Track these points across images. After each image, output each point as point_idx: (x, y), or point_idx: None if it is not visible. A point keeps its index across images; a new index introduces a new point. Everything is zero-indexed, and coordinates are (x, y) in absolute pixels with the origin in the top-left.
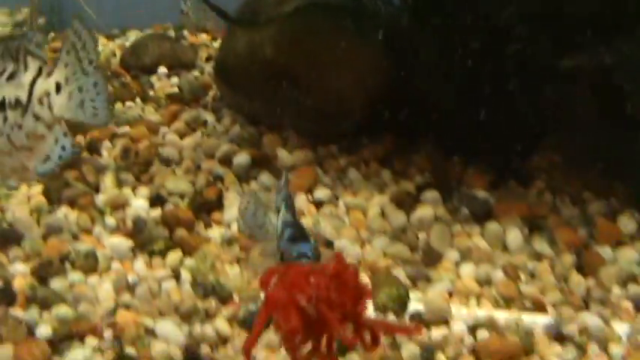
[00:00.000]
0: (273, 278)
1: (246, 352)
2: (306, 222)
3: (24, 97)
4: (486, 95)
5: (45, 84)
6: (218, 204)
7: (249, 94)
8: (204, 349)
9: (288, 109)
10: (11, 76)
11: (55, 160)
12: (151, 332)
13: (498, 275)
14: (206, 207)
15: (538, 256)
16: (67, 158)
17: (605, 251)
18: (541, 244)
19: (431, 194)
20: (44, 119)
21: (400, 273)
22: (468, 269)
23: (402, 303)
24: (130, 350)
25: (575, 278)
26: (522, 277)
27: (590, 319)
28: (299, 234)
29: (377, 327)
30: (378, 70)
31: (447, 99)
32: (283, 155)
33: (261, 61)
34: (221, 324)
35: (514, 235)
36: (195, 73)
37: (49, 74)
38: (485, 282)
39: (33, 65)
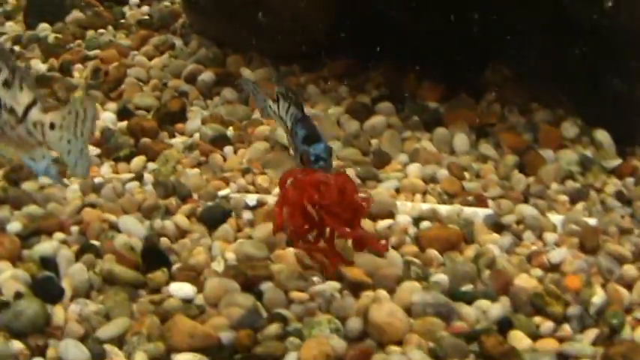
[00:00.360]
0: (289, 179)
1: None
2: (263, 130)
3: (19, 112)
4: (438, 13)
5: (40, 115)
6: (181, 116)
7: (215, 18)
8: (164, 241)
9: (252, 30)
10: (6, 83)
11: (40, 171)
12: (114, 227)
13: (443, 174)
14: (170, 118)
15: (484, 158)
16: (49, 178)
17: (547, 153)
18: (486, 148)
19: (385, 105)
20: (36, 137)
21: (351, 173)
22: (414, 169)
23: None
24: (94, 242)
25: (517, 176)
26: (467, 176)
27: (528, 210)
28: (312, 133)
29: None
30: None
31: (400, 17)
32: (246, 73)
33: None
34: (180, 219)
35: (461, 140)
36: (166, 2)
37: (45, 111)
38: (430, 180)
39: (27, 92)
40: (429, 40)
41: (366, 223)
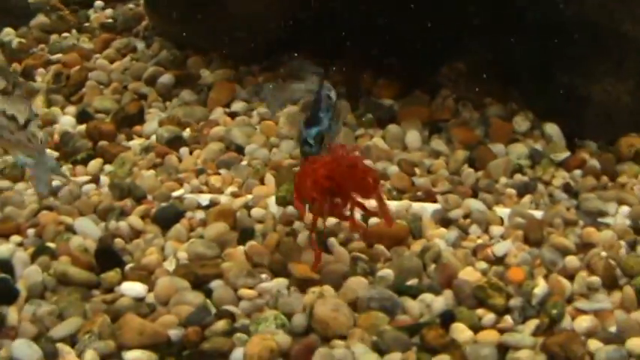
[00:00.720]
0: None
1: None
2: (219, 131)
3: (21, 121)
4: (393, 10)
5: (37, 129)
6: (139, 118)
7: (176, 19)
8: (118, 242)
9: (211, 31)
10: (5, 92)
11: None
12: (70, 229)
13: (394, 170)
14: (128, 120)
15: (435, 154)
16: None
17: (498, 147)
18: (438, 144)
19: (340, 103)
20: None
21: None
22: None
23: None
24: (50, 245)
25: (467, 171)
26: (418, 171)
27: (474, 204)
28: (311, 117)
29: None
30: None
31: (356, 15)
32: (205, 74)
33: None
34: (134, 220)
35: (413, 136)
36: (131, 5)
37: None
38: (380, 176)
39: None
40: (384, 37)
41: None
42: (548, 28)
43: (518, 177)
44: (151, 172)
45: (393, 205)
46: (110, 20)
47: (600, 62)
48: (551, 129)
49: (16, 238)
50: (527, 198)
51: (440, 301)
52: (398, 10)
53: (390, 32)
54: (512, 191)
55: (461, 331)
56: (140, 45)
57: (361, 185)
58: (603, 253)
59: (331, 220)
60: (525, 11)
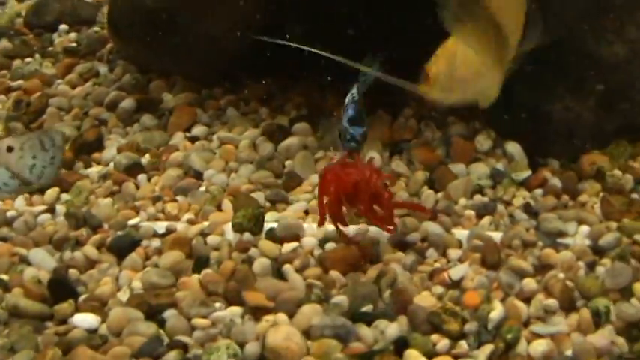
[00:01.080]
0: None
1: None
2: (177, 157)
3: None
4: (354, 30)
5: None
6: (98, 145)
7: (137, 43)
8: (73, 273)
9: (173, 55)
10: None
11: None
12: (25, 260)
13: None
14: (86, 148)
15: (396, 176)
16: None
17: (459, 167)
18: (398, 165)
19: (301, 126)
20: None
21: (260, 196)
22: None
23: (257, 222)
24: (3, 277)
25: (426, 193)
26: None
27: (432, 227)
28: (359, 117)
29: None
30: (256, 12)
31: (318, 35)
32: (168, 98)
33: (143, 11)
34: (90, 250)
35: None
36: (96, 28)
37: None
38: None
39: None
40: (347, 57)
41: (270, 246)
42: None
43: (478, 198)
44: (108, 200)
45: (350, 229)
46: (74, 44)
47: (562, 80)
48: (513, 148)
49: None
50: (486, 219)
51: (394, 328)
52: (359, 29)
53: (352, 52)
54: (471, 213)
55: (415, 358)
56: (103, 69)
57: (377, 195)
58: (561, 275)
59: (286, 247)
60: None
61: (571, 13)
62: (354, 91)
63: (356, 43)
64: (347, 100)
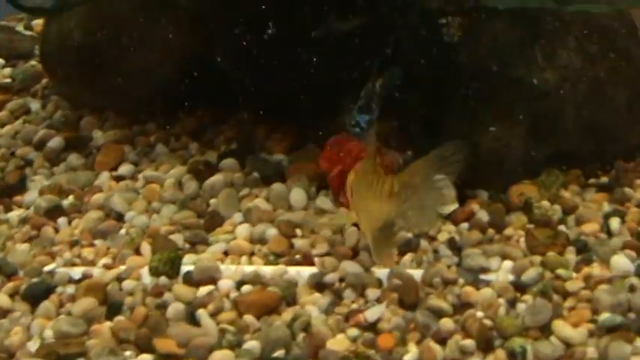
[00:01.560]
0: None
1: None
2: (99, 198)
3: None
4: (282, 64)
5: None
6: (21, 187)
7: (68, 79)
8: None
9: (103, 90)
10: None
11: None
12: None
13: (272, 233)
14: (8, 190)
15: (321, 213)
16: None
17: None
18: (324, 201)
19: (229, 161)
20: None
21: (180, 238)
22: (243, 230)
23: (173, 266)
24: None
25: (349, 230)
26: (299, 233)
27: (351, 266)
28: (366, 105)
29: None
30: (186, 46)
31: (250, 69)
32: (98, 135)
33: (73, 47)
34: (2, 298)
35: (298, 194)
36: (33, 62)
37: None
38: (258, 240)
39: None
40: (278, 89)
41: (185, 290)
42: (439, 75)
43: (401, 234)
44: (25, 245)
45: (267, 270)
46: (8, 80)
47: (491, 108)
48: (441, 180)
49: None
50: (408, 256)
51: None
52: (290, 60)
53: (283, 83)
54: (394, 250)
55: None
56: (35, 106)
57: None
58: (480, 314)
59: (202, 292)
60: (416, 58)
61: (502, 40)
62: (377, 85)
63: (284, 71)
64: (363, 92)
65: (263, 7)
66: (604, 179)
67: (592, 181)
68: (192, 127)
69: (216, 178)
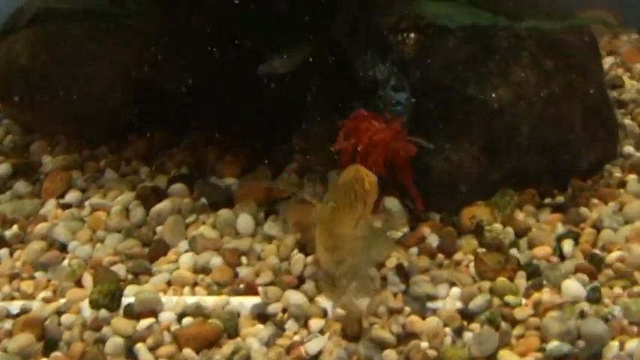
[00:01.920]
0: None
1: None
2: (42, 227)
3: None
4: (234, 87)
5: None
6: None
7: (17, 103)
8: None
9: (53, 115)
10: None
11: None
12: None
13: (217, 262)
14: None
15: (269, 239)
16: None
17: None
18: (271, 227)
19: (178, 187)
20: None
21: (122, 268)
22: (188, 259)
23: (114, 298)
24: None
25: (296, 257)
26: (245, 260)
27: (294, 297)
28: (401, 86)
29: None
30: (136, 68)
31: (194, 93)
32: (47, 161)
33: (20, 70)
34: None
35: (245, 220)
36: None
37: None
38: (202, 270)
39: None
40: (229, 111)
41: (124, 324)
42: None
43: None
44: None
45: (210, 301)
46: None
47: (443, 129)
48: (392, 204)
49: None
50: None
51: None
52: (240, 82)
53: (233, 105)
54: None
55: None
56: None
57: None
58: (424, 344)
59: (142, 325)
60: (362, 81)
61: (455, 58)
62: (388, 66)
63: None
64: (379, 74)
65: (209, 29)
66: (560, 198)
67: (547, 200)
68: (143, 151)
69: (164, 205)
